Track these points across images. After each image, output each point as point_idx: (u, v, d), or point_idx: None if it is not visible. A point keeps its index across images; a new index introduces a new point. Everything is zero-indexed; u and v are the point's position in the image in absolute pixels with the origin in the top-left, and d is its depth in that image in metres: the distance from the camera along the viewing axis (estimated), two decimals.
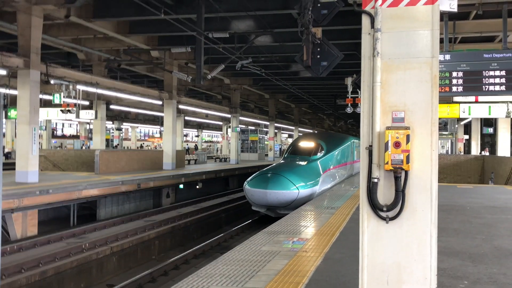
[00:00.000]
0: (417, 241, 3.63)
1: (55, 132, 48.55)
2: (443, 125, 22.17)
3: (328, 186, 17.27)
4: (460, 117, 15.54)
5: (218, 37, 15.45)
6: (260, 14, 15.44)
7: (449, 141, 32.96)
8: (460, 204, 11.93)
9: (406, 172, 3.62)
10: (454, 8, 3.84)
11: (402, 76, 3.69)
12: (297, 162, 17.14)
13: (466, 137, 33.00)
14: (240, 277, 5.66)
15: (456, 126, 24.99)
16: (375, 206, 3.69)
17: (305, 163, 17.04)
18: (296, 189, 14.63)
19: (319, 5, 4.76)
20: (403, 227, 3.67)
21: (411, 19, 3.68)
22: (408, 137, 3.55)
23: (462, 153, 30.82)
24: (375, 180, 3.69)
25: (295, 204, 14.06)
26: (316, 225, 9.09)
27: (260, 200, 14.91)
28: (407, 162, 3.57)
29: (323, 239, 7.77)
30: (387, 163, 3.60)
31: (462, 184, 18.28)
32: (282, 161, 18.22)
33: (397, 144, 3.56)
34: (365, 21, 3.76)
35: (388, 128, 3.64)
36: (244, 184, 15.75)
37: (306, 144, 18.71)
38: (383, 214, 3.68)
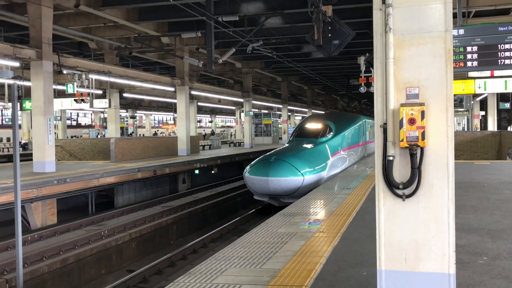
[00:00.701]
0: (434, 218, 3.59)
1: (70, 121, 49.01)
2: (459, 101, 21.90)
3: (337, 171, 15.88)
4: (476, 93, 15.33)
5: (228, 20, 15.34)
6: None
7: (465, 117, 32.55)
8: (478, 180, 11.83)
9: (422, 149, 3.58)
10: None
11: (415, 51, 3.62)
12: (303, 146, 15.71)
13: (482, 113, 32.56)
14: (258, 259, 5.69)
15: (472, 102, 24.63)
16: (391, 184, 3.66)
17: (312, 146, 15.63)
18: (300, 176, 13.26)
19: None
20: (420, 204, 3.63)
21: None
22: (423, 113, 3.50)
23: (479, 130, 30.46)
24: (391, 158, 3.65)
25: (300, 192, 12.95)
26: (332, 206, 9.08)
27: (262, 189, 13.51)
28: (423, 138, 3.52)
29: (340, 220, 7.77)
30: (402, 140, 3.55)
31: (479, 161, 18.10)
32: (286, 145, 16.85)
33: (412, 121, 3.51)
34: None
35: (402, 105, 3.59)
36: (244, 172, 14.38)
37: (313, 125, 17.24)
38: (399, 192, 3.65)
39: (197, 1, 15.30)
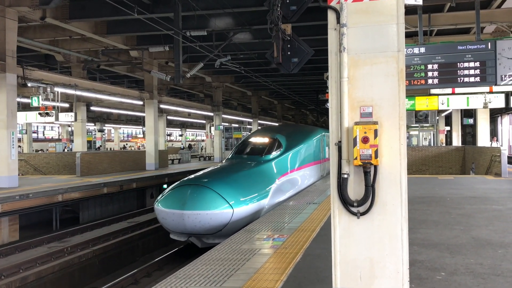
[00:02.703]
0: (388, 236, 3.64)
1: (37, 135, 48.05)
2: (424, 117, 22.32)
3: (284, 196, 12.62)
4: (440, 109, 15.74)
5: (196, 35, 15.35)
6: (237, 11, 15.42)
7: (431, 133, 33.25)
8: (441, 195, 12.03)
9: (376, 167, 3.63)
10: (419, 1, 3.84)
11: (369, 71, 3.69)
12: (240, 166, 12.73)
13: (448, 128, 33.31)
14: (219, 277, 5.64)
15: (437, 118, 25.18)
16: (345, 202, 3.69)
17: (253, 166, 12.68)
18: (228, 208, 10.05)
19: (287, 1, 4.74)
20: (374, 222, 3.67)
21: (377, 13, 3.68)
22: (376, 131, 3.56)
23: (444, 145, 31.11)
24: (345, 176, 3.69)
25: (229, 230, 9.92)
26: (297, 221, 9.09)
27: (176, 226, 10.13)
28: (376, 157, 3.57)
29: (304, 235, 7.78)
30: (356, 158, 3.60)
31: (443, 176, 18.45)
32: (220, 165, 13.60)
33: (365, 139, 3.56)
34: (331, 16, 3.75)
35: (356, 123, 3.64)
36: (155, 203, 11.08)
37: (258, 140, 14.27)
38: (354, 209, 3.68)
39: (166, 15, 15.29)
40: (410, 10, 12.34)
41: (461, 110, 27.27)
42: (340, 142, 3.70)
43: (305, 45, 4.83)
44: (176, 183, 11.49)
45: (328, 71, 3.84)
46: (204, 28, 15.75)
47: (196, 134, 79.77)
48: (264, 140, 14.08)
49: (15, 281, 9.46)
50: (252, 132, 18.89)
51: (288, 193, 12.99)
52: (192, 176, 11.88)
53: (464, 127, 31.74)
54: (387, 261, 3.65)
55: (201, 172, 12.41)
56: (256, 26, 16.39)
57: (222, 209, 10.00)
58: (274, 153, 13.39)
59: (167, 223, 10.35)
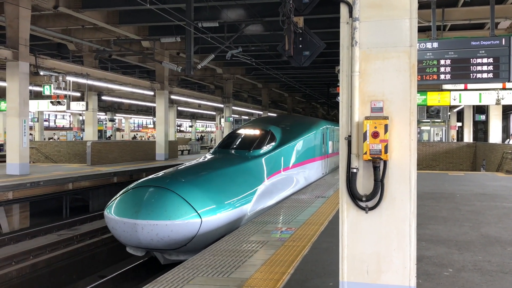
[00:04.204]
0: (396, 231, 3.63)
1: (48, 123, 48.36)
2: (436, 112, 22.18)
3: (274, 200, 10.56)
4: (451, 104, 15.62)
5: (208, 26, 15.34)
6: (250, 3, 15.38)
7: (442, 128, 33.05)
8: (450, 191, 11.98)
9: (385, 162, 3.62)
10: None
11: (381, 65, 3.67)
12: (221, 162, 10.72)
13: (459, 124, 33.10)
14: (226, 268, 5.67)
15: (449, 113, 25.02)
16: (354, 196, 3.69)
17: (237, 162, 10.60)
18: (195, 217, 7.86)
19: None
20: (382, 217, 3.66)
21: (389, 8, 3.65)
22: (386, 126, 3.54)
23: (455, 141, 30.92)
24: (354, 170, 3.68)
25: (198, 244, 7.93)
26: (305, 214, 9.10)
27: (128, 239, 7.84)
28: (386, 152, 3.56)
29: (312, 229, 7.79)
30: (365, 153, 3.59)
31: (453, 172, 18.35)
32: (195, 161, 11.21)
33: (375, 134, 3.55)
34: (343, 10, 3.73)
35: (366, 118, 3.63)
36: (105, 208, 8.59)
37: (249, 131, 12.20)
38: (362, 204, 3.68)
39: (178, 6, 15.29)
40: (424, 5, 12.24)
41: (473, 106, 27.06)
42: (350, 136, 3.69)
43: (317, 38, 4.82)
44: (134, 183, 9.06)
45: (339, 64, 3.82)
46: (216, 20, 15.74)
47: (206, 125, 79.88)
48: (255, 132, 12.04)
49: (25, 267, 9.58)
50: (245, 122, 16.04)
51: (279, 196, 10.93)
52: (150, 177, 9.37)
53: (476, 123, 31.55)
54: (394, 256, 3.65)
55: (169, 170, 10.01)
56: (268, 18, 16.34)
57: (187, 219, 7.79)
58: (265, 148, 11.40)
59: (118, 235, 8.01)
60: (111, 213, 8.12)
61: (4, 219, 12.98)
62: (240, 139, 11.86)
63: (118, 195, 8.71)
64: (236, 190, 9.35)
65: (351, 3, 3.68)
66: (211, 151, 12.09)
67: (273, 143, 11.63)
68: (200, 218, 7.91)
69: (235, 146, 11.59)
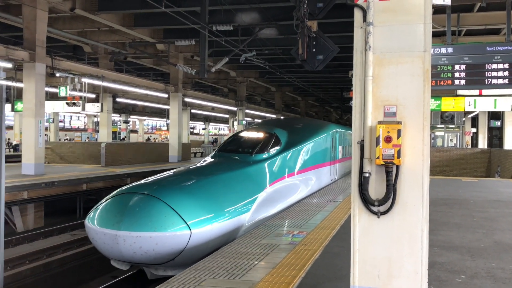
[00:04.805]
0: (408, 236, 3.62)
1: (63, 124, 48.88)
2: (450, 118, 22.04)
3: (276, 209, 9.88)
4: (466, 110, 15.48)
5: (222, 30, 15.41)
6: (264, 7, 15.41)
7: (456, 134, 32.78)
8: (464, 197, 11.88)
9: (398, 167, 3.61)
10: (448, 1, 3.80)
11: (394, 70, 3.67)
12: (219, 167, 9.97)
13: (474, 130, 32.79)
14: (238, 270, 5.69)
15: (463, 119, 24.83)
16: (366, 201, 3.69)
17: (237, 167, 9.82)
18: (184, 228, 7.08)
19: None
20: (394, 221, 3.66)
21: (404, 13, 3.66)
22: (399, 131, 3.54)
23: (469, 146, 30.64)
24: (367, 175, 3.68)
25: (187, 258, 7.20)
26: (317, 218, 9.09)
27: (110, 252, 7.09)
28: (398, 156, 3.55)
29: (323, 233, 7.78)
30: (378, 157, 3.59)
31: (467, 178, 18.19)
32: (190, 165, 10.68)
33: (388, 139, 3.55)
34: (357, 14, 3.74)
35: (379, 122, 3.63)
36: (86, 218, 7.68)
37: (252, 134, 11.49)
38: (374, 208, 3.68)
39: (192, 9, 15.38)
40: (439, 10, 12.17)
41: (488, 112, 26.79)
42: (362, 140, 3.70)
43: (331, 43, 4.83)
44: (118, 189, 8.26)
45: (353, 69, 3.83)
46: (230, 23, 15.78)
47: (219, 128, 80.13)
48: (259, 135, 11.27)
49: (38, 266, 9.69)
50: (250, 125, 14.81)
51: (282, 204, 10.25)
52: (150, 179, 8.75)
53: (490, 129, 31.20)
54: (405, 261, 3.64)
55: (158, 176, 9.18)
56: (282, 22, 16.36)
57: (174, 230, 6.99)
58: (269, 152, 10.61)
59: (98, 247, 7.24)
60: (91, 222, 7.32)
61: (19, 218, 13.13)
62: (242, 142, 11.21)
63: (100, 202, 7.93)
64: (233, 198, 8.58)
65: (365, 8, 3.69)
66: (211, 154, 11.43)
67: (277, 147, 10.89)
68: (190, 229, 7.10)
69: (236, 149, 10.85)
